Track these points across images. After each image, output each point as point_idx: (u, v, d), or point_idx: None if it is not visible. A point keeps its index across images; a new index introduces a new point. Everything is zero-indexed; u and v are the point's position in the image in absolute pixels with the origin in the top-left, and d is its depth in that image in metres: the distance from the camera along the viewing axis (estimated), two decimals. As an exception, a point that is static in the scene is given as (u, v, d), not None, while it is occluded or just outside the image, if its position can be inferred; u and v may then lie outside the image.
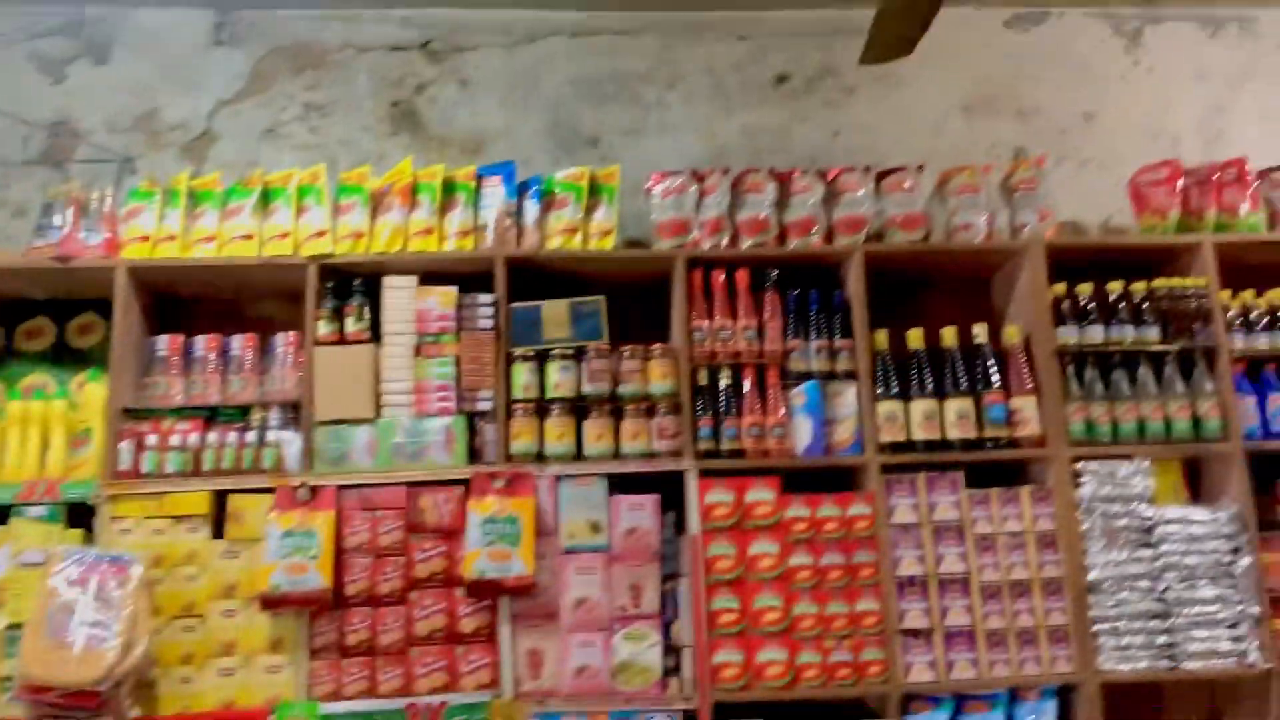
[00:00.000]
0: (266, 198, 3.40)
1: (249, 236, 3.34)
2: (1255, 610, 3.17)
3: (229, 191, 3.41)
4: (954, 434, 3.30)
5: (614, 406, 3.29)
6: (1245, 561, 3.20)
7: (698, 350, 3.33)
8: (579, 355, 3.32)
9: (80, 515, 3.11)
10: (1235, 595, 3.19)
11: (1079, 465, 3.26)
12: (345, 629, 3.07)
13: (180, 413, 3.25)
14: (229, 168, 3.68)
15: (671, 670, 3.11)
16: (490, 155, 3.79)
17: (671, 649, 3.12)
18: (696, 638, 3.10)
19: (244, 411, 3.28)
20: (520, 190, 3.48)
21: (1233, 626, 3.18)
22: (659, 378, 3.30)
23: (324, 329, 3.26)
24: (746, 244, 3.46)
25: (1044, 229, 3.50)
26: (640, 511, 3.19)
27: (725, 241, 3.46)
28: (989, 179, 3.58)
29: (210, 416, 3.27)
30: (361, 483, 3.15)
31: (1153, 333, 3.38)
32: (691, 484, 3.21)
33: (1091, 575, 3.19)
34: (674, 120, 3.93)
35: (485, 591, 3.05)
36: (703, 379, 3.32)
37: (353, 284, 3.32)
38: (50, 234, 3.26)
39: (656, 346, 3.34)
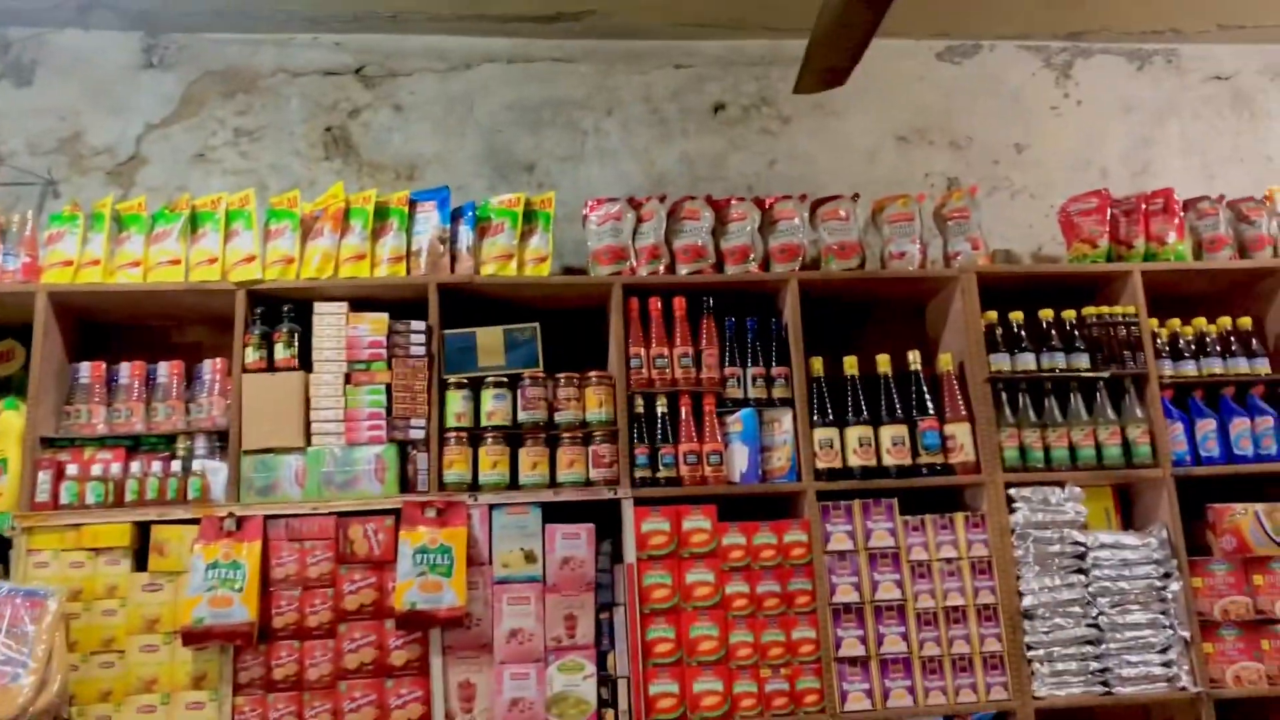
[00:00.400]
0: (194, 223, 3.39)
1: (176, 262, 3.32)
2: (1186, 634, 3.24)
3: (156, 216, 3.38)
4: (889, 460, 3.35)
5: (549, 435, 3.30)
6: (1176, 586, 3.27)
7: (634, 378, 3.35)
8: (514, 383, 3.33)
9: (-6, 548, 3.04)
10: (1166, 620, 3.26)
11: (1012, 491, 3.32)
12: (272, 663, 3.03)
13: (102, 442, 3.21)
14: (157, 192, 3.66)
15: (607, 702, 3.10)
16: (425, 181, 3.81)
17: (607, 680, 3.12)
18: (632, 668, 3.10)
19: (169, 440, 3.24)
20: (454, 216, 3.49)
21: (1164, 651, 3.25)
22: (595, 405, 3.32)
23: (252, 356, 3.23)
24: (683, 271, 3.50)
25: (977, 258, 3.58)
26: (575, 540, 3.19)
27: (662, 268, 3.50)
28: (922, 208, 3.67)
29: (134, 446, 3.23)
30: (289, 513, 3.12)
31: (1083, 360, 3.46)
32: (627, 513, 3.22)
33: (1026, 601, 3.24)
34: (611, 147, 3.98)
35: (417, 623, 3.03)
36: (639, 407, 3.34)
37: (282, 310, 3.30)
38: (-33, 258, 3.21)
39: (593, 374, 3.36)
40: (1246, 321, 3.62)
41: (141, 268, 3.31)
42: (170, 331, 3.54)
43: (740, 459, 3.34)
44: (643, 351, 3.38)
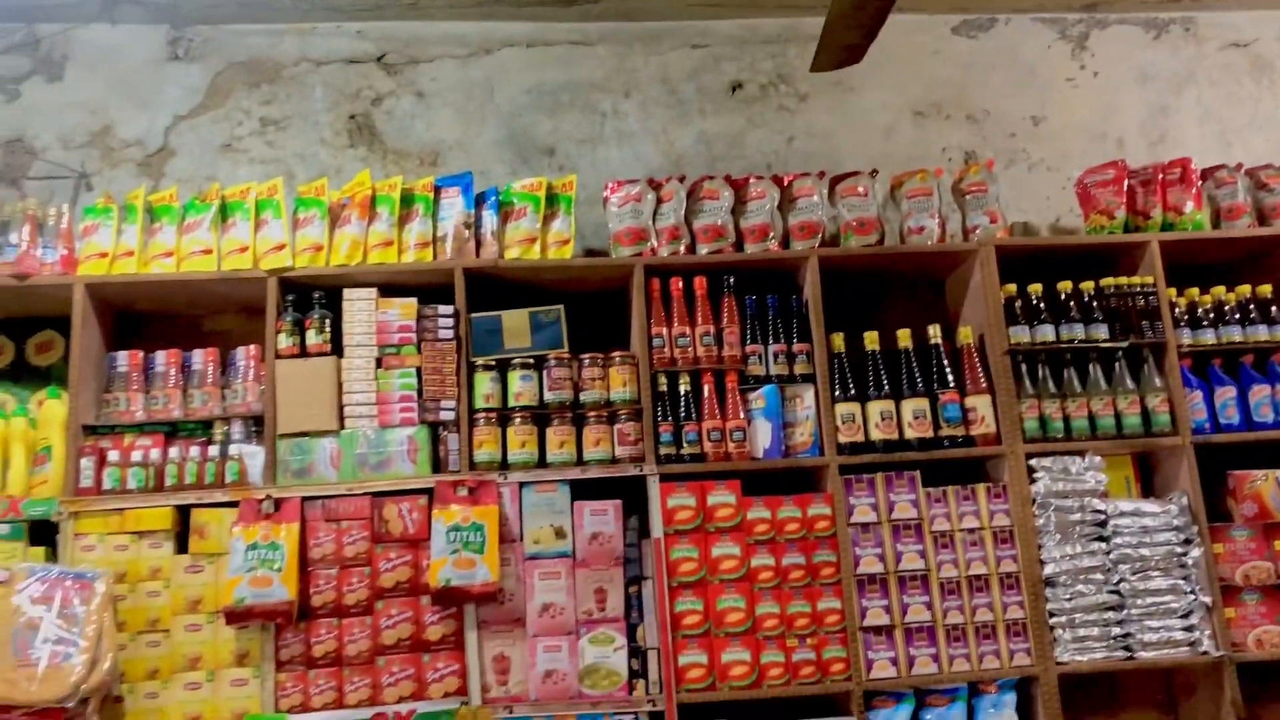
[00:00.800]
0: (224, 212, 3.48)
1: (208, 251, 3.41)
2: (1207, 599, 3.31)
3: (187, 206, 3.48)
4: (911, 434, 3.42)
5: (575, 414, 3.38)
6: (1196, 552, 3.34)
7: (657, 357, 3.43)
8: (539, 364, 3.41)
9: (43, 533, 3.16)
10: (1187, 585, 3.33)
11: (1033, 462, 3.38)
12: (312, 640, 3.14)
13: (141, 428, 3.32)
14: (186, 183, 3.76)
15: (637, 673, 3.20)
16: (447, 166, 3.88)
17: (637, 652, 3.21)
18: (662, 640, 3.19)
19: (206, 426, 3.34)
20: (478, 201, 3.57)
21: (1185, 616, 3.32)
22: (619, 385, 3.40)
23: (285, 342, 3.33)
24: (704, 250, 3.57)
25: (995, 231, 3.63)
26: (603, 517, 3.28)
27: (683, 248, 3.57)
28: (940, 182, 3.71)
29: (171, 431, 3.34)
30: (326, 494, 3.23)
31: (1102, 330, 3.51)
32: (653, 489, 3.30)
33: (1047, 569, 3.31)
34: (630, 129, 4.04)
35: (451, 599, 3.13)
36: (663, 385, 3.42)
37: (313, 297, 3.39)
38: (6, 252, 3.31)
39: (616, 354, 3.44)
40: (1266, 289, 3.66)
41: (174, 258, 3.41)
42: (203, 320, 3.65)
43: (763, 435, 3.41)
44: (665, 331, 3.45)
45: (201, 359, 3.41)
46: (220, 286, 3.43)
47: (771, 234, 3.58)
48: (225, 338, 3.53)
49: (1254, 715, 3.34)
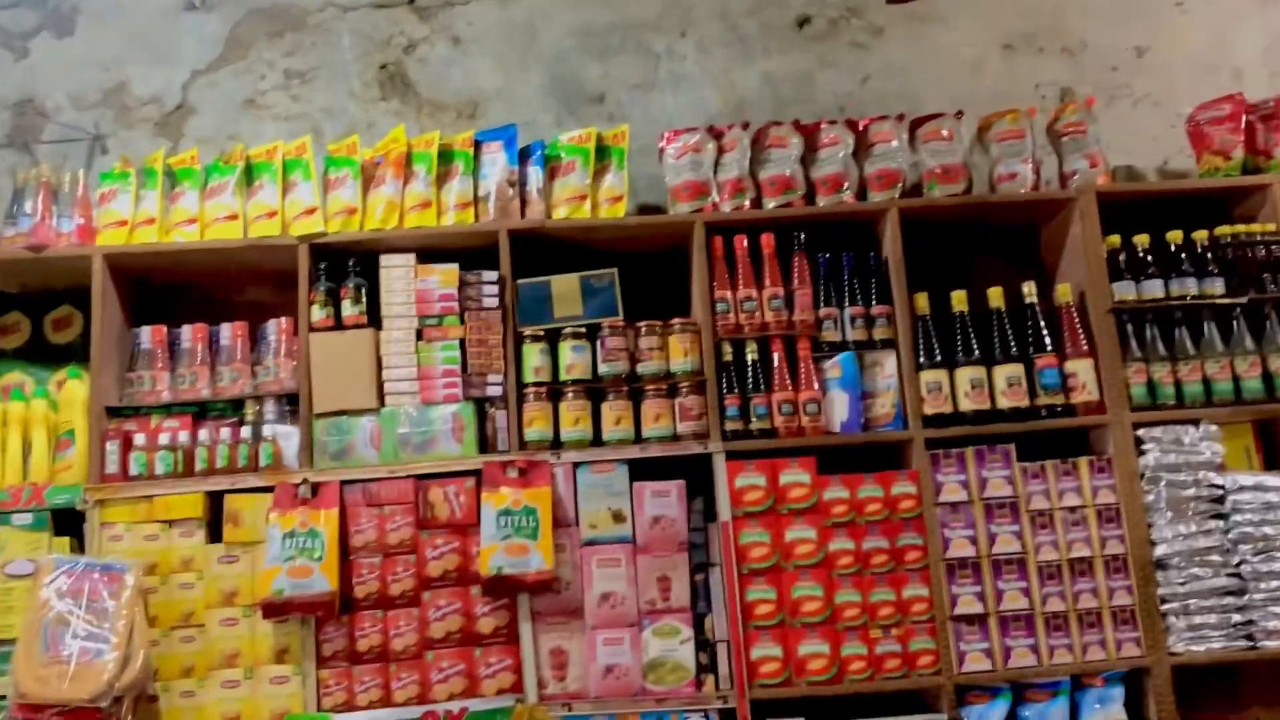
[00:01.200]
0: (250, 174, 3.49)
1: (233, 217, 3.43)
2: (1338, 583, 3.23)
3: (209, 169, 3.49)
4: (1004, 403, 3.37)
5: (633, 387, 3.37)
6: (1326, 531, 3.26)
7: (721, 323, 3.40)
8: (593, 333, 3.40)
9: (67, 521, 3.22)
10: (1316, 567, 3.25)
11: (1140, 432, 3.32)
12: (355, 634, 3.17)
13: (168, 409, 3.36)
14: (207, 143, 3.77)
15: (706, 668, 3.20)
16: (488, 119, 3.86)
17: (705, 645, 3.21)
18: (732, 632, 3.19)
19: (236, 405, 3.37)
20: (522, 156, 3.55)
21: (1315, 601, 3.24)
22: (680, 355, 3.38)
23: (318, 314, 3.34)
24: (771, 205, 3.52)
25: (1095, 176, 3.55)
26: (665, 498, 3.27)
27: (747, 203, 3.53)
28: (1034, 123, 3.64)
29: (200, 412, 3.37)
30: (366, 477, 3.25)
31: (1218, 285, 3.43)
32: (719, 467, 3.28)
33: (1158, 551, 3.26)
34: (687, 72, 3.99)
35: (503, 589, 3.14)
36: (728, 354, 3.40)
37: (347, 264, 3.40)
38: (21, 222, 3.35)
39: (676, 321, 3.41)
40: (1404, 236, 3.54)
41: (198, 225, 3.43)
42: (230, 291, 3.67)
43: (840, 407, 3.38)
44: (729, 294, 3.42)
45: (230, 334, 3.44)
46: (248, 255, 3.45)
47: (846, 185, 3.53)
48: (255, 310, 3.55)
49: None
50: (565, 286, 3.46)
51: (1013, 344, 3.41)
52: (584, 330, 3.39)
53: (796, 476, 3.30)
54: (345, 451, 3.28)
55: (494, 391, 3.34)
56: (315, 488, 3.21)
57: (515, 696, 3.14)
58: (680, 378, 3.36)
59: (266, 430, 3.31)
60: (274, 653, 3.17)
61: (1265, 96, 3.73)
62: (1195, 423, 3.34)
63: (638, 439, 3.33)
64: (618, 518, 3.26)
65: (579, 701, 3.15)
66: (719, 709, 3.15)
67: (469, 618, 3.19)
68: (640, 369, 3.38)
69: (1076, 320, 3.44)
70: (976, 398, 3.37)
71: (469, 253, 3.43)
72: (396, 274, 3.39)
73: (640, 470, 3.29)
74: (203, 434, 3.28)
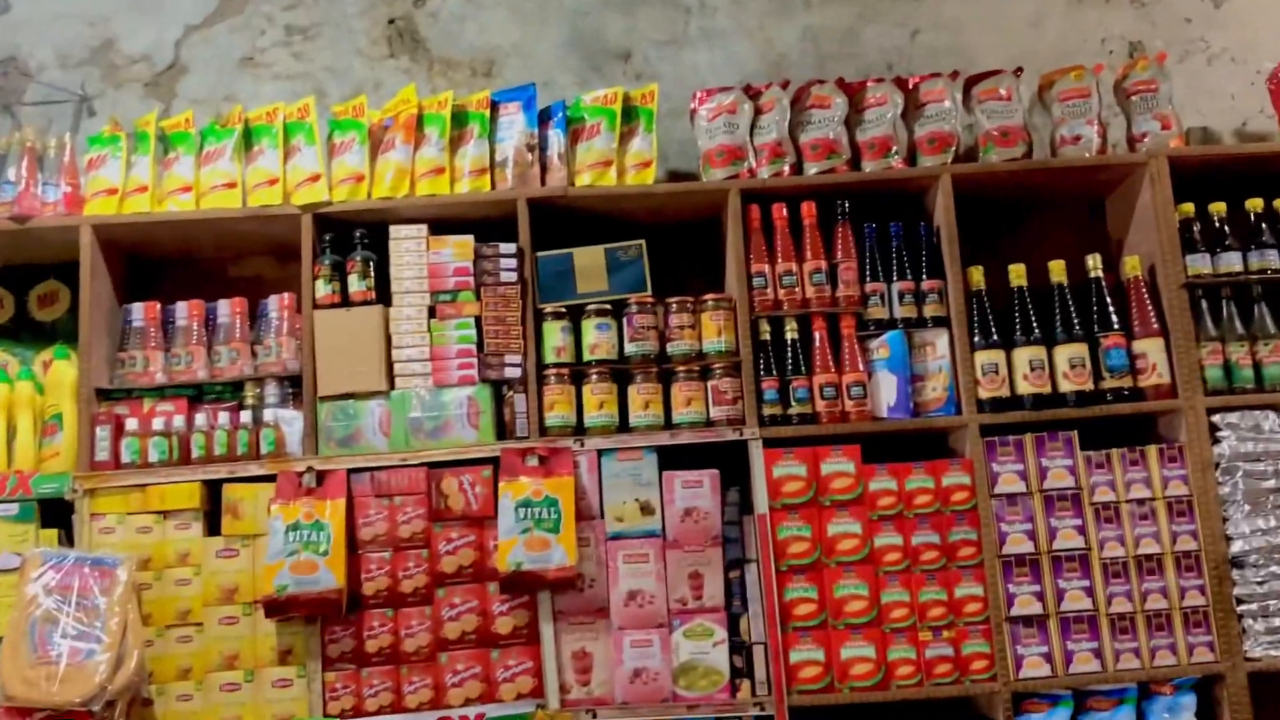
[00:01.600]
0: (249, 138, 3.50)
1: (231, 185, 3.44)
2: None
3: (205, 133, 3.50)
4: (1066, 386, 3.37)
5: (662, 369, 3.37)
6: None
7: (758, 299, 3.40)
8: (619, 310, 3.41)
9: (55, 512, 3.24)
10: (1407, 566, 3.24)
11: (1216, 418, 3.31)
12: (363, 634, 3.19)
13: (162, 392, 3.38)
14: (201, 104, 3.78)
15: (741, 672, 3.21)
16: (505, 78, 3.87)
17: (740, 647, 3.22)
18: (769, 633, 3.19)
19: (235, 388, 3.39)
20: (542, 118, 3.55)
21: (1405, 602, 3.23)
22: (714, 333, 3.38)
23: (323, 289, 3.35)
24: (812, 171, 3.52)
25: (1168, 139, 3.54)
26: (697, 489, 3.28)
27: (787, 169, 3.52)
28: (1100, 81, 3.62)
29: (196, 395, 3.39)
30: (375, 465, 3.26)
31: (1301, 259, 3.42)
32: (756, 455, 3.29)
33: (1235, 547, 3.26)
34: (720, 26, 3.98)
35: (523, 586, 3.16)
36: (765, 333, 3.40)
37: (354, 236, 3.41)
38: (3, 191, 3.37)
39: (709, 297, 3.41)
40: None
41: (193, 193, 3.44)
42: (228, 265, 3.69)
43: (887, 390, 3.38)
44: (767, 268, 3.42)
45: (228, 310, 3.45)
46: (247, 226, 3.46)
47: (894, 148, 3.52)
48: (255, 285, 3.57)
49: None
50: (589, 259, 3.46)
51: (1076, 322, 3.41)
52: (609, 307, 3.40)
53: (840, 465, 3.30)
54: (352, 438, 3.29)
55: (512, 373, 3.34)
56: (320, 477, 3.23)
57: (536, 702, 3.16)
58: (713, 358, 3.37)
59: (268, 415, 3.33)
60: (277, 654, 3.19)
61: (1356, 50, 3.71)
62: (1276, 408, 3.32)
63: (667, 425, 3.34)
64: (646, 510, 3.27)
65: (604, 708, 3.16)
66: (755, 716, 3.15)
67: (486, 617, 3.21)
68: (670, 349, 3.39)
69: (1146, 296, 3.43)
70: (1036, 380, 3.36)
71: (485, 223, 3.44)
72: (407, 246, 3.39)
73: (670, 459, 3.30)
74: (199, 418, 3.30)
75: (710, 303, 3.40)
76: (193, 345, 3.41)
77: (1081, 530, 3.28)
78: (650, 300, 3.41)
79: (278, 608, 3.12)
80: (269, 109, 3.52)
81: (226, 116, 3.54)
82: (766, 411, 3.34)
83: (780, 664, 3.18)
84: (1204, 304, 3.42)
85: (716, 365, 3.35)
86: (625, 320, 3.40)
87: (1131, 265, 3.47)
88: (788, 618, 3.21)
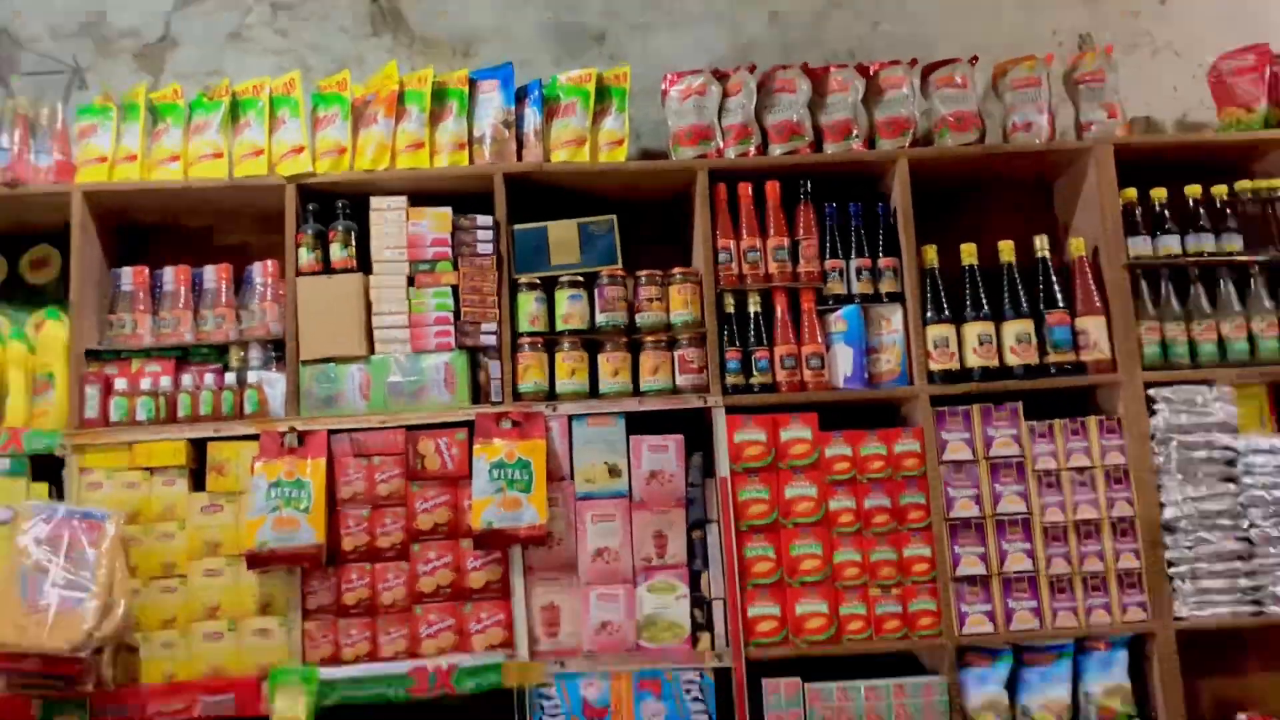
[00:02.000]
0: (235, 111, 3.46)
1: (218, 155, 3.40)
2: (1350, 548, 3.26)
3: (193, 105, 3.46)
4: (1013, 360, 3.39)
5: (631, 339, 3.37)
6: (1339, 495, 3.29)
7: (724, 274, 3.40)
8: (590, 282, 3.39)
9: (46, 468, 3.21)
10: (1327, 533, 3.28)
11: (1152, 392, 3.34)
12: (342, 587, 3.18)
13: (149, 353, 3.35)
14: (189, 78, 3.73)
15: (701, 625, 3.22)
16: (483, 57, 3.83)
17: (701, 602, 3.23)
18: (729, 589, 3.20)
19: (220, 351, 3.36)
20: (519, 96, 3.53)
21: (1324, 567, 3.28)
22: (680, 305, 3.38)
23: (306, 257, 3.32)
24: (777, 151, 3.51)
25: (1113, 127, 3.55)
26: (663, 453, 3.28)
27: (753, 149, 3.52)
28: (1051, 71, 3.63)
29: (183, 356, 3.36)
30: (355, 427, 3.25)
31: (1236, 242, 3.46)
32: (719, 422, 3.29)
33: (1167, 514, 3.29)
34: (691, 10, 3.96)
35: (495, 543, 3.15)
36: (730, 306, 3.40)
37: (336, 206, 3.38)
38: (-3, 157, 3.32)
39: (677, 271, 3.41)
40: None
41: (181, 162, 3.40)
42: (214, 232, 3.64)
43: (844, 361, 3.39)
44: (732, 244, 3.41)
45: (214, 276, 3.42)
46: (233, 195, 3.43)
47: (855, 132, 3.52)
48: (240, 252, 3.53)
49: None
50: (563, 233, 3.44)
51: (1023, 300, 3.43)
52: (581, 279, 3.39)
53: (798, 432, 3.31)
54: (333, 400, 3.27)
55: (488, 340, 3.33)
56: (302, 437, 3.21)
57: (506, 652, 3.16)
58: (680, 330, 3.36)
59: (252, 377, 3.30)
60: (258, 605, 3.17)
61: (1291, 47, 3.72)
62: (1209, 383, 3.36)
63: (636, 392, 3.34)
64: (614, 472, 3.27)
65: (571, 658, 3.17)
66: (714, 668, 3.17)
67: (459, 572, 3.21)
68: (639, 320, 3.38)
69: (1089, 276, 3.45)
70: (984, 354, 3.38)
71: (463, 197, 3.42)
72: (388, 217, 3.36)
73: (638, 424, 3.30)
74: (186, 379, 3.28)
75: (678, 276, 3.40)
76: (180, 309, 3.38)
77: (1024, 496, 3.31)
78: (621, 273, 3.40)
79: (260, 561, 3.10)
80: (255, 83, 3.48)
81: (214, 89, 3.49)
82: (729, 380, 3.34)
83: (738, 618, 3.19)
84: (1144, 284, 3.44)
85: (683, 336, 3.35)
86: (597, 292, 3.39)
87: (1076, 246, 3.49)
88: (746, 575, 3.23)
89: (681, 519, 3.26)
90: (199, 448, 3.25)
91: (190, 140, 3.42)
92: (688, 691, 3.15)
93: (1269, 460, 3.28)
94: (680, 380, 3.34)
